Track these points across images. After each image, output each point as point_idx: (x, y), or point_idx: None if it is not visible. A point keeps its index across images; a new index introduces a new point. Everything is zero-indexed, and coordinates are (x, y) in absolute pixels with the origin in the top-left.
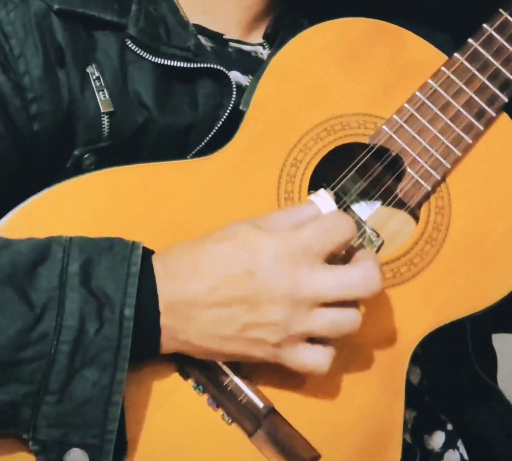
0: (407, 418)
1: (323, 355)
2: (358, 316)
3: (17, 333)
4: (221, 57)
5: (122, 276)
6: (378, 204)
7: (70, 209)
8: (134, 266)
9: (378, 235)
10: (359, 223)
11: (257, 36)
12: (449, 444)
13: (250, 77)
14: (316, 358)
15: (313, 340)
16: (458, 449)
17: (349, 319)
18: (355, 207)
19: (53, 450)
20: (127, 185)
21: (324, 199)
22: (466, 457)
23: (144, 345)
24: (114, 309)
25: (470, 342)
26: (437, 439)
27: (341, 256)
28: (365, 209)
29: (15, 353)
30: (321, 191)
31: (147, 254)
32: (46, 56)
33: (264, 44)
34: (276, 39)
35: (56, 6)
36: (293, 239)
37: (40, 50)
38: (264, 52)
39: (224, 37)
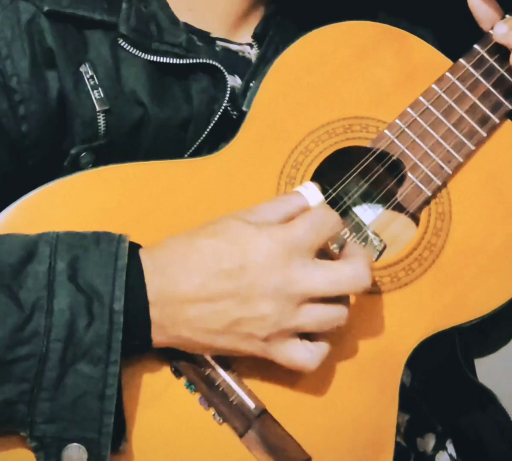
0: (400, 421)
1: (313, 351)
2: (346, 311)
3: (8, 333)
4: (209, 55)
5: (109, 270)
6: (381, 208)
7: (67, 205)
8: (121, 260)
9: (381, 240)
10: (361, 227)
11: (245, 36)
12: (439, 445)
13: (237, 76)
14: (305, 354)
15: (303, 337)
16: (446, 450)
17: (338, 314)
18: (358, 211)
19: (51, 446)
20: (127, 182)
21: (311, 190)
22: (455, 457)
23: (135, 338)
24: (103, 304)
25: (459, 348)
26: (429, 442)
27: (333, 252)
28: (368, 213)
29: (7, 352)
30: (308, 183)
31: (135, 248)
32: (34, 58)
33: (253, 43)
34: (265, 39)
35: (45, 8)
36: (283, 234)
37: (27, 52)
38: (251, 52)
39: (211, 35)
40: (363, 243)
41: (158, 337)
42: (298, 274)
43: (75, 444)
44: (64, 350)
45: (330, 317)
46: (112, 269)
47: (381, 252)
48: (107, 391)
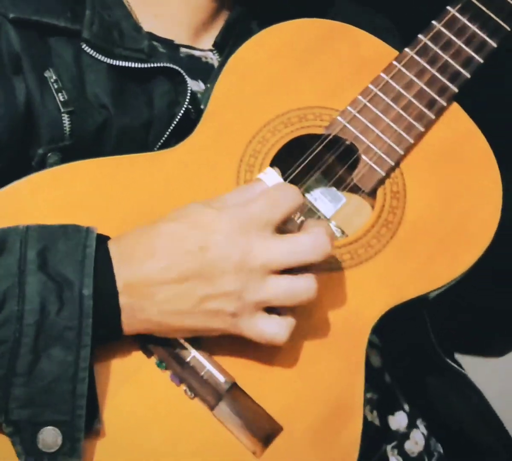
0: (370, 400)
1: (281, 324)
2: (313, 283)
3: None
4: (174, 61)
5: (78, 258)
6: (342, 202)
7: (35, 200)
8: (89, 248)
9: (343, 232)
10: (315, 213)
11: (207, 42)
12: (412, 424)
13: (200, 82)
14: (274, 327)
15: (271, 311)
16: (418, 428)
17: (305, 285)
18: (319, 205)
19: (26, 430)
20: (92, 176)
21: (270, 175)
22: (426, 435)
23: (105, 324)
24: (73, 290)
25: (432, 333)
26: (400, 420)
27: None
28: (329, 207)
29: None
30: (268, 169)
31: (103, 239)
32: (1, 64)
33: (214, 51)
34: (226, 47)
35: (11, 15)
36: (241, 212)
37: None
38: (214, 58)
39: (175, 42)
40: None
41: (129, 323)
42: (257, 247)
43: (49, 427)
44: (36, 335)
45: (297, 289)
46: (80, 257)
47: None
48: (79, 374)
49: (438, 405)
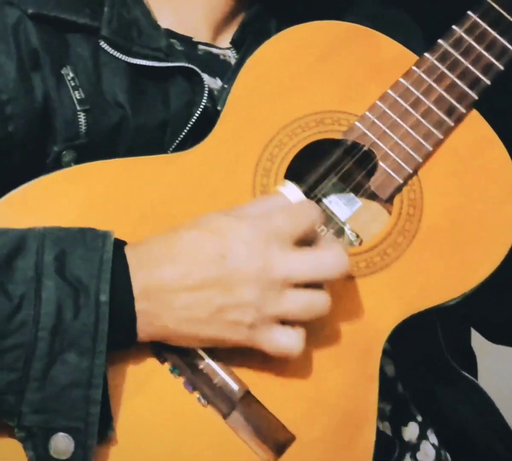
0: (383, 411)
1: (295, 337)
2: (328, 298)
3: None
4: (191, 59)
5: (95, 264)
6: (357, 205)
7: (51, 200)
8: (107, 253)
9: (357, 236)
10: (338, 224)
11: (226, 40)
12: (423, 435)
13: (218, 79)
14: (290, 340)
15: (284, 323)
16: (428, 439)
17: (321, 300)
18: (334, 208)
19: (38, 436)
20: (107, 177)
21: (290, 189)
22: (437, 446)
23: (121, 330)
24: (90, 295)
25: (443, 342)
26: (412, 430)
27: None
28: (344, 210)
29: None
30: (288, 182)
31: (120, 244)
32: (20, 60)
33: (232, 49)
34: (243, 45)
35: (30, 11)
36: (263, 223)
37: (14, 54)
38: (232, 56)
39: (193, 40)
40: (339, 237)
41: (144, 330)
42: (278, 260)
43: (62, 433)
44: (51, 340)
45: (314, 304)
46: (98, 263)
47: None
48: (94, 381)
49: (449, 415)
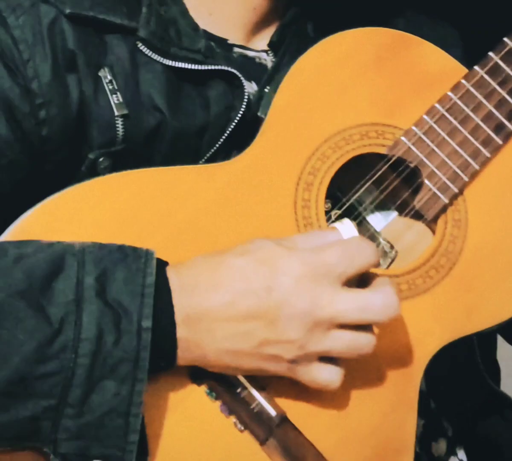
0: (417, 426)
1: (336, 373)
2: (373, 339)
3: (36, 348)
4: (228, 62)
5: (137, 287)
6: (393, 215)
7: (86, 210)
8: (150, 277)
9: (392, 247)
10: (373, 234)
11: (261, 43)
12: (451, 451)
13: (253, 83)
14: (329, 376)
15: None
16: (457, 455)
17: (366, 342)
18: (370, 217)
19: None
20: (144, 187)
21: (347, 227)
22: None
23: (161, 357)
24: (132, 320)
25: (478, 350)
26: (442, 446)
27: (355, 281)
28: (380, 220)
29: (34, 368)
30: (346, 220)
31: (161, 264)
32: (55, 61)
33: (268, 51)
34: (281, 47)
35: (67, 11)
36: (315, 259)
37: (49, 55)
38: (267, 59)
39: (228, 42)
40: None
41: (184, 356)
42: (326, 299)
43: None
44: (91, 366)
45: (358, 345)
46: (140, 286)
47: (393, 260)
48: (133, 409)
49: (479, 430)
